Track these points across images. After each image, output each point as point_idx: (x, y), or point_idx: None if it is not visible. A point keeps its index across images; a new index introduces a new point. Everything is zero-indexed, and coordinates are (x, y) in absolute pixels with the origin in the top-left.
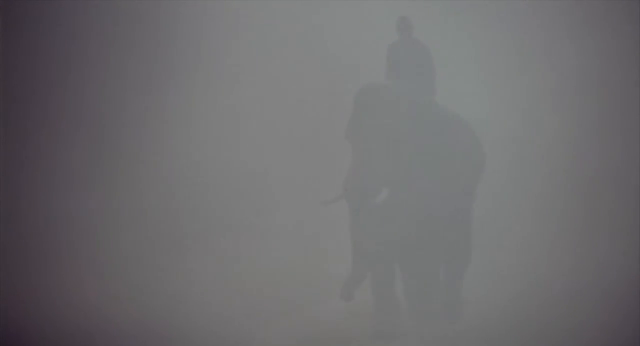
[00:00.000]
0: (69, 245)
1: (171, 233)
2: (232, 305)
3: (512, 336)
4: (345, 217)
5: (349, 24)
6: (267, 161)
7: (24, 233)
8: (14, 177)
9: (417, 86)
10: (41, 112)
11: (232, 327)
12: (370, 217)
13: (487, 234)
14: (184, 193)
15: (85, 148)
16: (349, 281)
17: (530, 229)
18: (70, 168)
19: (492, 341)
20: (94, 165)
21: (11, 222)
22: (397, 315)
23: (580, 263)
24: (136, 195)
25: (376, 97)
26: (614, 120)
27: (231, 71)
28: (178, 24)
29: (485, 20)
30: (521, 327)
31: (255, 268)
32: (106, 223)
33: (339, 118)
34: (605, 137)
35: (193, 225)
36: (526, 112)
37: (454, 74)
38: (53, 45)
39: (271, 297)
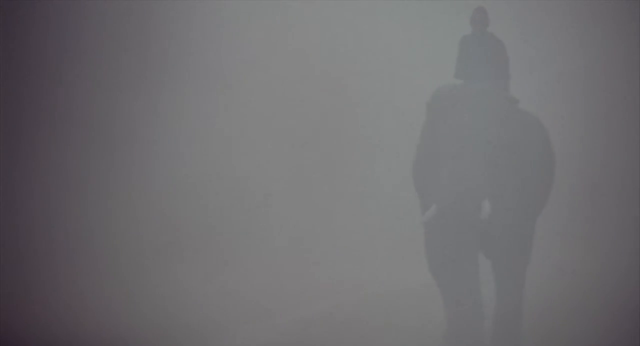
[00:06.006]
0: (64, 248)
1: (166, 236)
2: (227, 310)
3: (513, 337)
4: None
5: (347, 24)
6: (262, 164)
7: (21, 235)
8: (10, 178)
9: (490, 84)
10: (36, 114)
11: (227, 331)
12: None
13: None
14: (179, 196)
15: (81, 150)
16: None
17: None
18: (65, 170)
19: (493, 341)
20: (90, 167)
21: (7, 223)
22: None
23: (581, 264)
24: (131, 198)
25: (452, 100)
26: (615, 122)
27: (226, 72)
28: (173, 24)
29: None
30: (522, 328)
31: (250, 273)
32: (101, 226)
33: (335, 119)
34: (607, 138)
35: (187, 228)
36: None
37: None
38: (48, 47)
39: (266, 302)
